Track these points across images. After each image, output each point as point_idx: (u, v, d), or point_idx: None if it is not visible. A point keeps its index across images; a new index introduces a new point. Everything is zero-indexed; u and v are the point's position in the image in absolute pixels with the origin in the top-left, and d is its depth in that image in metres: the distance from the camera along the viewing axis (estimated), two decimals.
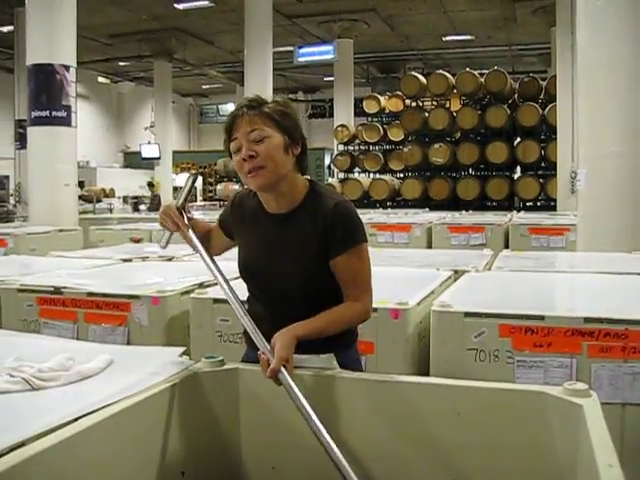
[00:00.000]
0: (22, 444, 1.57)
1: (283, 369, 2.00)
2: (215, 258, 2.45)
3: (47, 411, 1.78)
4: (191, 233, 2.43)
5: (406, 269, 4.65)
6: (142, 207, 21.79)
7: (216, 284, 2.42)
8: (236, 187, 24.98)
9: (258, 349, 2.14)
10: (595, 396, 1.85)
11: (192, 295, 3.73)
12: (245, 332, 2.32)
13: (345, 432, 2.01)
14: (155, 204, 20.83)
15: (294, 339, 2.10)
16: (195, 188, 27.92)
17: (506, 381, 2.88)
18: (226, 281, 2.31)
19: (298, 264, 2.31)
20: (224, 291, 2.29)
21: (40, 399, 1.92)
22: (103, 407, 1.81)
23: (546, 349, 2.95)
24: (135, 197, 23.20)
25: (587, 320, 2.91)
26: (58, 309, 3.92)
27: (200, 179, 30.89)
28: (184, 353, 2.35)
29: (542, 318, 2.97)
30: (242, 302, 2.30)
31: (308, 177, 2.45)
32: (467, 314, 3.09)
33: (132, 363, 2.28)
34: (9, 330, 3.31)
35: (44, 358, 2.14)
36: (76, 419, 1.72)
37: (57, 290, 3.95)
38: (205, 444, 2.18)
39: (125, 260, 5.50)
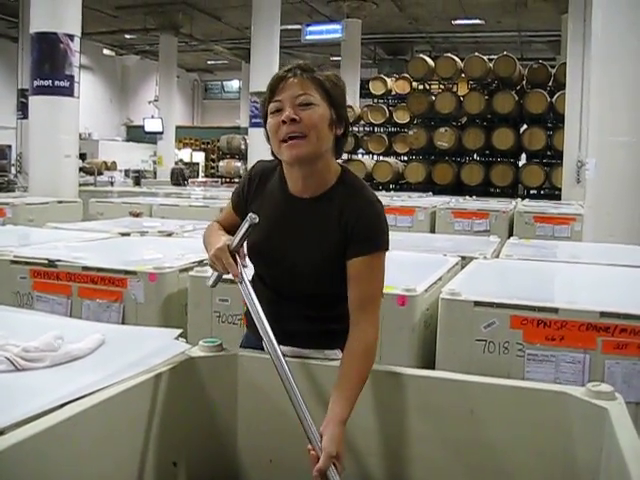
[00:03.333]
0: (1, 432, 1.45)
1: (332, 468, 1.76)
2: None
3: (31, 395, 1.66)
4: (246, 281, 2.07)
5: (412, 254, 4.51)
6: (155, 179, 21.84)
7: None
8: (238, 164, 24.83)
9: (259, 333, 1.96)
10: (621, 399, 1.74)
11: (191, 273, 3.60)
12: (246, 313, 2.17)
13: (350, 427, 1.87)
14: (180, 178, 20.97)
15: (342, 427, 1.85)
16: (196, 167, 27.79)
17: (515, 375, 2.79)
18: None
19: (312, 255, 2.10)
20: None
21: (24, 381, 1.79)
22: (92, 393, 1.68)
23: (558, 343, 2.85)
24: (137, 171, 23.04)
25: (603, 315, 2.81)
26: (52, 282, 3.81)
27: (203, 155, 30.82)
28: (180, 335, 2.22)
29: (556, 311, 2.86)
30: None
31: (341, 162, 2.22)
32: (477, 303, 2.98)
33: (125, 344, 2.15)
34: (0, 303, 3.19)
35: (32, 335, 2.00)
36: (62, 405, 1.60)
37: (51, 263, 3.83)
38: (200, 433, 2.06)
39: (123, 234, 5.37)
